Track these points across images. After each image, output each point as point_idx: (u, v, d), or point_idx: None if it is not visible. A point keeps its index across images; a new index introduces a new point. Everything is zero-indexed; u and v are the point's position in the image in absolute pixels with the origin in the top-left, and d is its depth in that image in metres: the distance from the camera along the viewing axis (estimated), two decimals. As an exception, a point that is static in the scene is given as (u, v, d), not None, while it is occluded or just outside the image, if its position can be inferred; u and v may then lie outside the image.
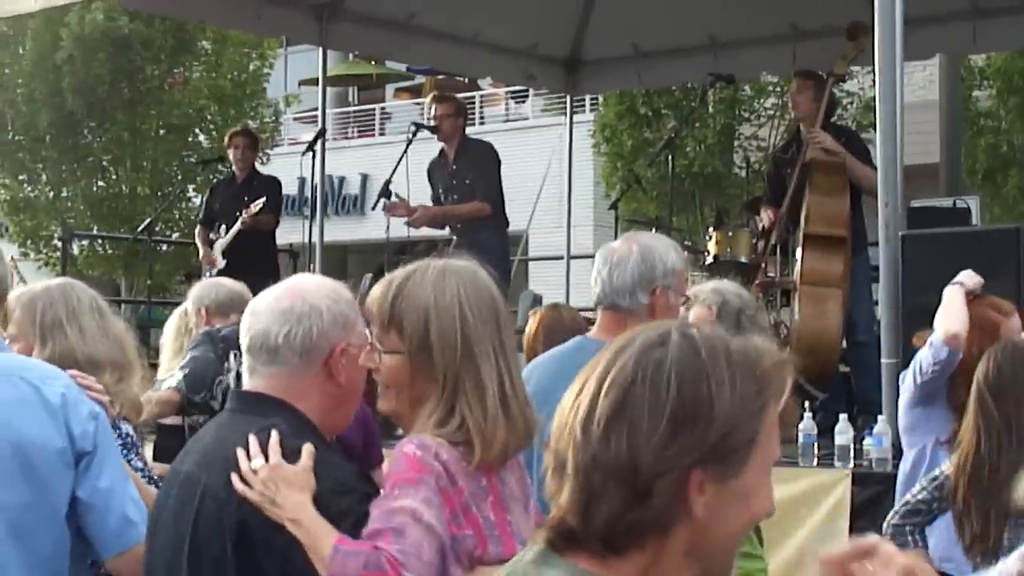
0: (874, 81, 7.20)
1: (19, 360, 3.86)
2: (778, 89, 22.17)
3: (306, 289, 3.37)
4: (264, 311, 3.33)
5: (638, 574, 2.12)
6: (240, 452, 3.20)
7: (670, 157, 12.13)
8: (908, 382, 5.92)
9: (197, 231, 12.97)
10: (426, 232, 11.93)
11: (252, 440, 3.21)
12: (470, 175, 11.42)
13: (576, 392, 2.15)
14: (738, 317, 5.22)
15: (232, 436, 3.27)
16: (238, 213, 12.15)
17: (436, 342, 3.30)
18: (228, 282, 7.35)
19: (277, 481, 3.16)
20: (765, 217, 10.53)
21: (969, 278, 5.85)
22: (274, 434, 3.22)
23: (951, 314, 5.73)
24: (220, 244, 12.28)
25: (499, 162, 11.51)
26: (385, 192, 11.64)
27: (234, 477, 3.17)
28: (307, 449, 3.21)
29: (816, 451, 7.48)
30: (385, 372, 3.35)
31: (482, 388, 3.29)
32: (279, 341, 3.28)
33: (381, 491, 3.25)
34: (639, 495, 2.05)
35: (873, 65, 7.26)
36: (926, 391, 5.80)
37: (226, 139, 13.21)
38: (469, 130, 12.00)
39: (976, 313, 5.65)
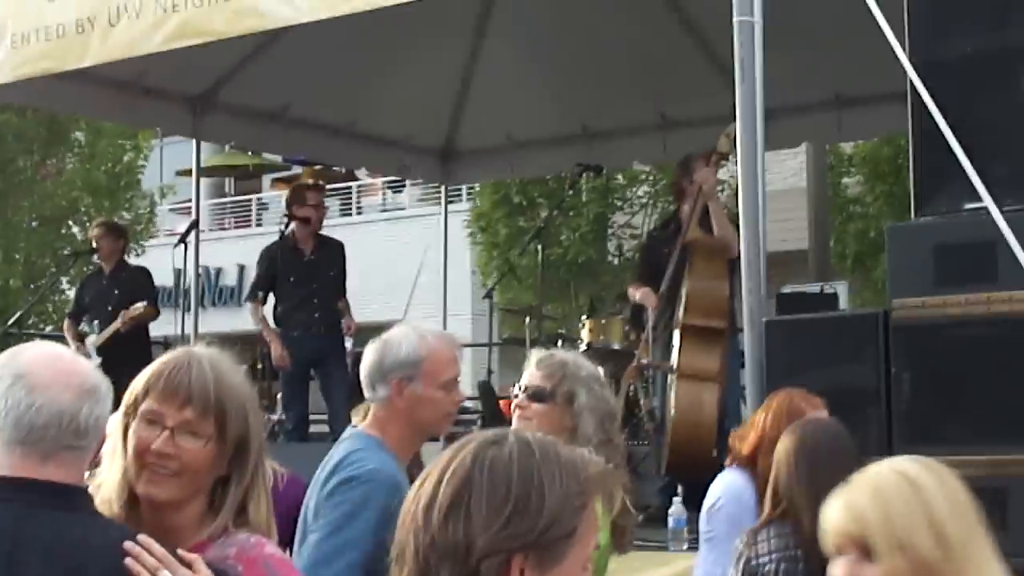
0: (737, 171, 7.32)
1: None
2: (650, 177, 22.44)
3: (88, 367, 3.13)
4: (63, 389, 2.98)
5: None
6: (134, 564, 2.91)
7: (541, 246, 12.24)
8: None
9: (66, 325, 12.86)
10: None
11: (147, 550, 2.94)
12: (335, 269, 11.65)
13: (419, 485, 2.39)
14: (588, 384, 5.03)
15: (87, 539, 2.95)
16: (110, 307, 12.08)
17: (253, 437, 3.34)
18: None
19: None
20: (639, 294, 10.43)
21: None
22: (145, 538, 2.98)
23: None
24: (92, 340, 12.18)
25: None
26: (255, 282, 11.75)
27: None
28: (191, 555, 3.04)
29: (686, 535, 7.56)
30: (188, 457, 3.25)
31: (266, 485, 3.38)
32: (88, 423, 3.00)
33: None
34: (468, 575, 2.26)
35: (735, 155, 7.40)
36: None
37: (91, 231, 13.18)
38: (346, 220, 12.17)
39: (786, 403, 5.63)
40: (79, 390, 2.96)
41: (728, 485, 5.76)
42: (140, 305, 11.91)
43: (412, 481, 5.24)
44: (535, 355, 5.09)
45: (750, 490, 5.57)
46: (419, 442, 4.75)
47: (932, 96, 6.41)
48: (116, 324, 11.95)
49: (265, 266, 11.85)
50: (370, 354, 4.64)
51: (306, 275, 11.67)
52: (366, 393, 4.65)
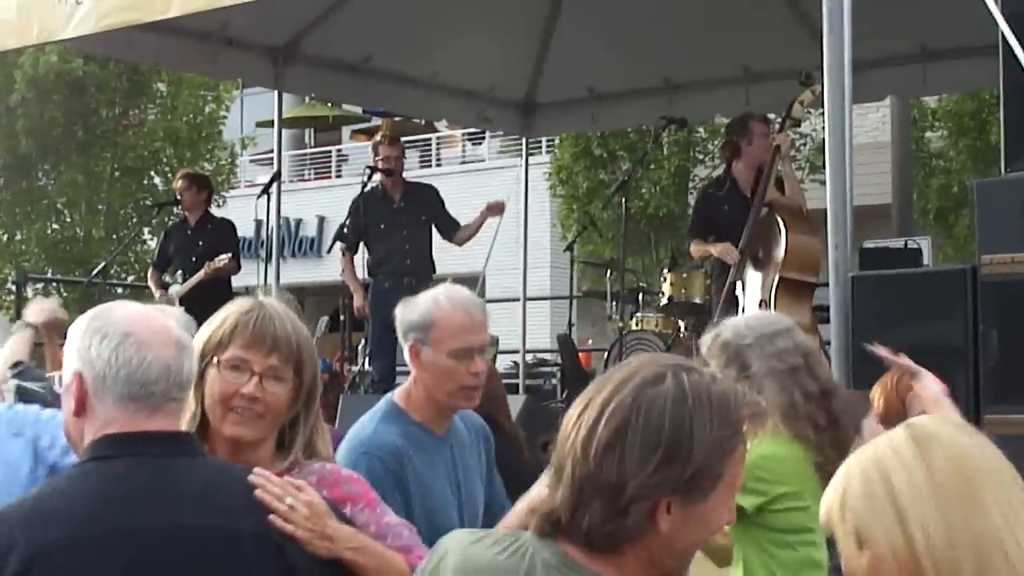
0: (824, 124, 7.25)
1: None
2: (732, 131, 22.29)
3: (175, 323, 3.21)
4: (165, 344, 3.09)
5: (612, 570, 2.49)
6: (264, 494, 3.06)
7: (624, 199, 12.18)
8: None
9: (150, 274, 12.96)
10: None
11: (268, 479, 3.11)
12: (419, 217, 11.58)
13: (579, 411, 2.55)
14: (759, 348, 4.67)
15: (217, 479, 3.11)
16: (194, 258, 12.15)
17: (319, 380, 3.59)
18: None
19: (320, 515, 3.12)
20: (717, 250, 10.33)
21: None
22: (261, 470, 3.16)
23: None
24: (176, 290, 12.26)
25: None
26: (340, 234, 11.69)
27: (275, 519, 3.04)
28: (298, 480, 3.24)
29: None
30: (273, 400, 3.46)
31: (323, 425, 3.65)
32: (188, 375, 3.13)
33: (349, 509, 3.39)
34: (618, 512, 2.45)
35: (823, 108, 7.33)
36: None
37: (175, 183, 13.24)
38: (426, 172, 12.16)
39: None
40: (178, 345, 3.07)
41: None
42: (225, 257, 11.95)
43: (501, 432, 5.23)
44: (703, 343, 4.79)
45: None
46: (442, 413, 4.53)
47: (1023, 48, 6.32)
48: (200, 275, 12.00)
49: (353, 217, 11.78)
50: (396, 312, 4.58)
51: (396, 222, 11.60)
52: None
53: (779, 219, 9.89)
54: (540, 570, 2.53)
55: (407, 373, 4.62)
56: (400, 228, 11.55)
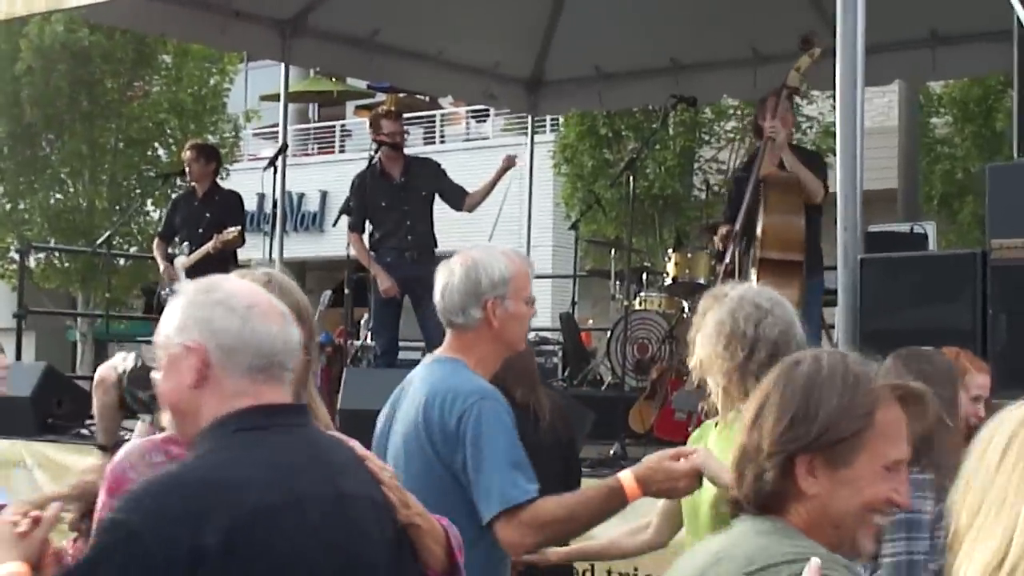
0: (834, 106, 7.23)
1: None
2: (738, 112, 22.28)
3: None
4: None
5: (800, 524, 2.81)
6: (371, 464, 3.27)
7: (631, 178, 12.14)
8: None
9: (155, 244, 12.88)
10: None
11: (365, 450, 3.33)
12: (422, 192, 11.51)
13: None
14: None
15: (340, 449, 3.27)
16: (200, 229, 12.10)
17: (315, 351, 3.90)
18: None
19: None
20: (720, 233, 10.35)
21: None
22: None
23: None
24: (182, 261, 12.20)
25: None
26: (346, 208, 11.64)
27: (386, 489, 3.23)
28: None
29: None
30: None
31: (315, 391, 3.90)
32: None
33: None
34: (759, 473, 2.81)
35: (833, 89, 7.31)
36: None
37: (183, 153, 13.20)
38: (429, 148, 12.07)
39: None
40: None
41: None
42: (234, 230, 11.87)
43: (513, 401, 5.23)
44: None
45: None
46: (499, 362, 4.80)
47: (1039, 34, 6.30)
48: (208, 247, 11.94)
49: (356, 195, 11.71)
50: (459, 279, 4.66)
51: (396, 199, 11.53)
52: (454, 319, 4.67)
53: (763, 198, 9.76)
54: (738, 538, 2.83)
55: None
56: (401, 204, 11.47)
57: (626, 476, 4.20)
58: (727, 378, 4.38)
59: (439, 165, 11.85)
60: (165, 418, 3.51)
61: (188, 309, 3.10)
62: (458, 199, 11.71)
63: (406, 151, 11.93)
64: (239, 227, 11.93)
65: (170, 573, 2.76)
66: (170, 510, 2.82)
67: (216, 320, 3.06)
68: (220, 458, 2.98)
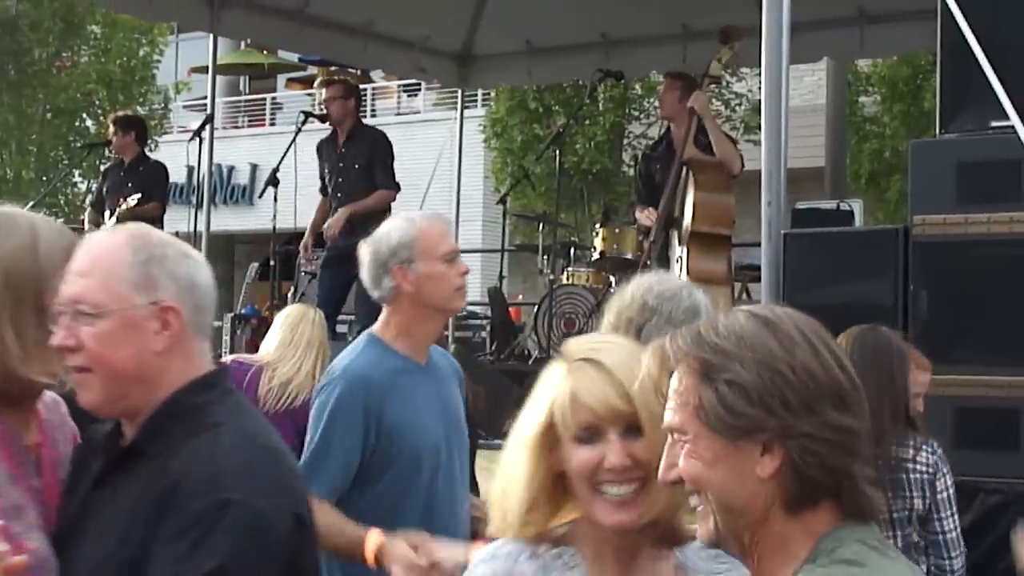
0: (760, 84, 7.25)
1: None
2: (668, 89, 22.35)
3: None
4: None
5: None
6: None
7: (558, 152, 12.17)
8: None
9: (87, 215, 12.87)
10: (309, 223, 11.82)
11: None
12: (361, 160, 11.29)
13: None
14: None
15: None
16: (123, 200, 12.04)
17: None
18: None
19: None
20: (643, 216, 10.48)
21: None
22: None
23: None
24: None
25: (392, 150, 11.42)
26: (272, 180, 11.61)
27: None
28: None
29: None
30: None
31: None
32: None
33: None
34: None
35: (760, 67, 7.33)
36: None
37: (109, 125, 13.15)
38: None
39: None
40: None
41: None
42: (136, 196, 11.79)
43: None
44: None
45: None
46: (434, 327, 4.80)
47: (962, 12, 6.34)
48: (115, 216, 11.87)
49: (319, 162, 11.59)
50: (366, 253, 4.69)
51: (338, 168, 11.39)
52: (373, 294, 4.69)
53: (691, 175, 9.93)
54: None
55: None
56: (339, 174, 11.36)
57: (374, 540, 4.16)
58: None
59: (381, 139, 11.60)
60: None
61: (150, 263, 2.77)
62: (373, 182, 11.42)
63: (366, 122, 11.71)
64: (139, 194, 11.83)
65: (286, 545, 2.65)
66: (275, 485, 2.68)
67: (192, 275, 2.80)
68: (252, 425, 2.83)
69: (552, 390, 2.72)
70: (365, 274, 4.69)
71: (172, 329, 2.74)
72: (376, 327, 4.73)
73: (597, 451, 2.61)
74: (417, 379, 4.64)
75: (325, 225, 11.25)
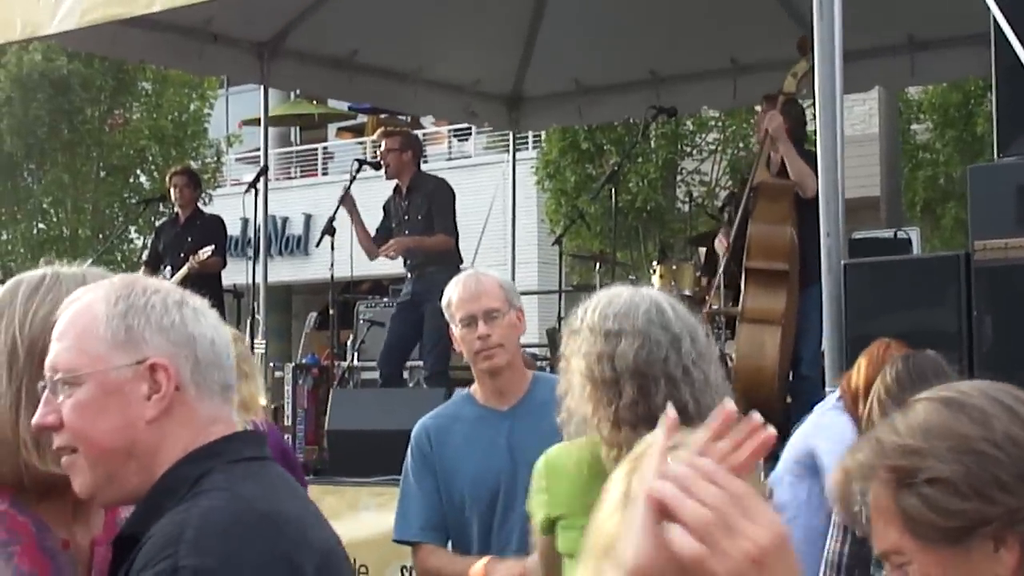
0: (815, 114, 7.21)
1: None
2: (719, 124, 22.31)
3: None
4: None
5: None
6: None
7: (612, 191, 12.12)
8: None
9: (142, 272, 12.88)
10: (370, 270, 11.86)
11: None
12: (423, 210, 11.23)
13: None
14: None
15: None
16: (182, 254, 12.08)
17: None
18: None
19: None
20: (718, 243, 10.22)
21: None
22: None
23: None
24: (167, 287, 12.16)
25: (454, 197, 11.35)
26: (329, 229, 11.58)
27: None
28: None
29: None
30: None
31: None
32: None
33: None
34: None
35: (813, 98, 7.30)
36: None
37: (167, 179, 13.21)
38: (411, 168, 11.86)
39: (882, 350, 5.43)
40: None
41: (828, 426, 5.55)
42: (208, 249, 11.87)
43: None
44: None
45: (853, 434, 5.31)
46: (486, 378, 4.92)
47: (1016, 35, 6.30)
48: (184, 270, 11.92)
49: (384, 212, 11.54)
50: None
51: (404, 223, 11.30)
52: None
53: (753, 207, 9.64)
54: None
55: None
56: (405, 227, 11.20)
57: (480, 565, 4.56)
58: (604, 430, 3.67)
59: (442, 186, 11.51)
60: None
61: (130, 315, 2.37)
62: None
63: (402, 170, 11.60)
64: (212, 246, 11.90)
65: None
66: (258, 554, 2.24)
67: (188, 325, 2.39)
68: (255, 490, 2.36)
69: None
70: None
71: (164, 391, 2.33)
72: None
73: None
74: (486, 424, 4.87)
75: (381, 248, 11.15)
